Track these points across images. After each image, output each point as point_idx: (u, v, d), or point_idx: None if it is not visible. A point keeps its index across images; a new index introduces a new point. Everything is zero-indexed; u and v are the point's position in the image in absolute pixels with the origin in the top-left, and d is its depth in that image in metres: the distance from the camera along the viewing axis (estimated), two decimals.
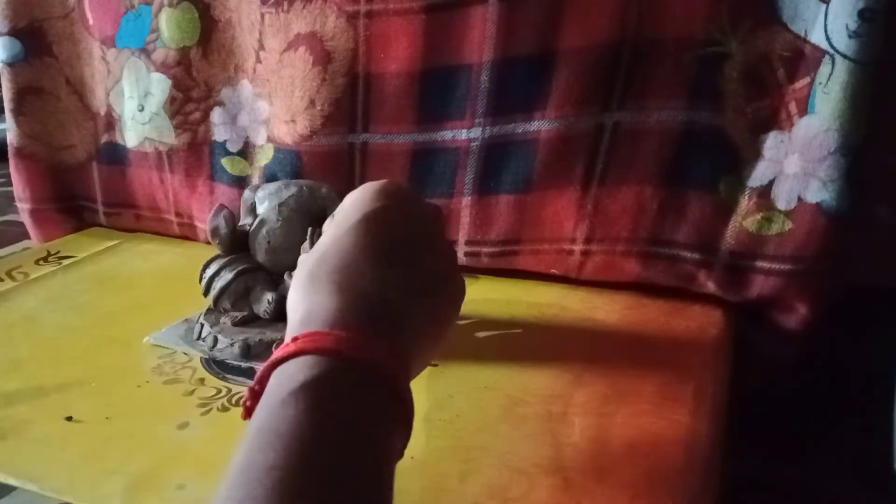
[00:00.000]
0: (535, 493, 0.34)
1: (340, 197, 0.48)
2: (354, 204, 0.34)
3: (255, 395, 0.27)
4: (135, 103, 0.66)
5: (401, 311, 0.30)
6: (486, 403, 0.41)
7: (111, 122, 0.69)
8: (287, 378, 0.26)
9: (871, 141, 0.44)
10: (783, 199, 0.47)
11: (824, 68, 0.44)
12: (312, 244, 0.46)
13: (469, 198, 0.55)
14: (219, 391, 0.43)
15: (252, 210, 0.50)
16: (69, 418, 0.40)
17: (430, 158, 0.56)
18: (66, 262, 0.65)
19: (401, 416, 0.28)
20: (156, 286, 0.60)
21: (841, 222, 0.45)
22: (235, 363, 0.46)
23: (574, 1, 0.49)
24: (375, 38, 0.54)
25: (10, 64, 0.69)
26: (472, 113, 0.53)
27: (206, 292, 0.49)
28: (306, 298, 0.30)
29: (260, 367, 0.27)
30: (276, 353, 0.27)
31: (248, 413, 0.27)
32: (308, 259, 0.32)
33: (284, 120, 0.59)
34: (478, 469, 0.35)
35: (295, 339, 0.27)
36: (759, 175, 0.48)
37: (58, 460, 0.37)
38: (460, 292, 0.36)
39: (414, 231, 0.34)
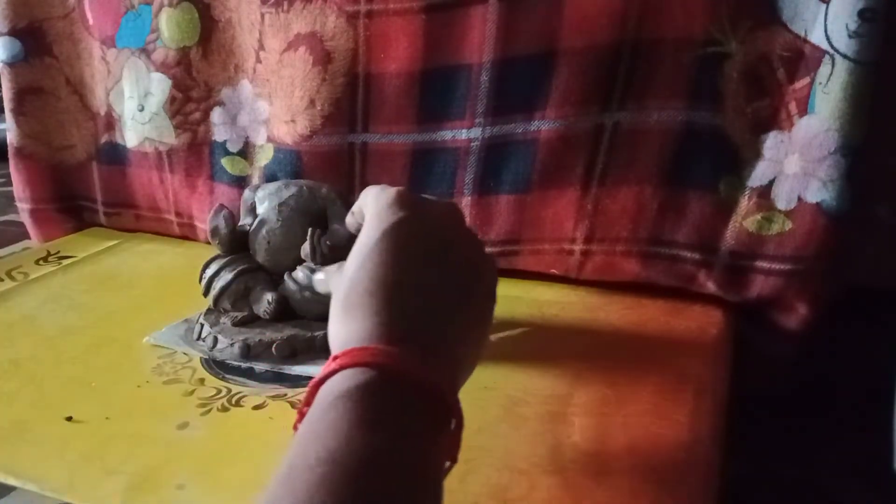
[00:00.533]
0: (535, 493, 0.34)
1: (340, 197, 0.49)
2: (372, 222, 0.33)
3: (304, 416, 0.27)
4: (135, 103, 0.66)
5: (439, 318, 0.30)
6: (486, 403, 0.41)
7: (111, 122, 0.69)
8: (328, 391, 0.26)
9: (871, 141, 0.44)
10: (783, 199, 0.47)
11: (824, 68, 0.44)
12: (312, 244, 0.46)
13: (469, 198, 0.55)
14: (219, 391, 0.43)
15: (252, 210, 0.50)
16: (69, 418, 0.40)
17: (430, 158, 0.56)
18: (66, 262, 0.65)
19: (444, 422, 0.28)
20: (156, 286, 0.60)
21: (841, 222, 0.45)
22: (235, 363, 0.46)
23: (574, 1, 0.49)
24: (375, 38, 0.54)
25: (10, 64, 0.69)
26: (472, 113, 0.53)
27: (206, 292, 0.49)
28: (343, 328, 0.30)
29: (310, 375, 0.28)
30: (320, 374, 0.27)
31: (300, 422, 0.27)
32: (339, 287, 0.32)
33: (284, 120, 0.59)
34: (478, 469, 0.35)
35: (335, 358, 0.27)
36: (759, 175, 0.48)
37: (58, 460, 0.37)
38: (493, 277, 0.36)
39: (436, 233, 0.33)
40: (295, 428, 0.27)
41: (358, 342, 0.28)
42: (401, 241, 0.32)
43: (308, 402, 0.27)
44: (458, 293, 0.32)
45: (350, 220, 0.40)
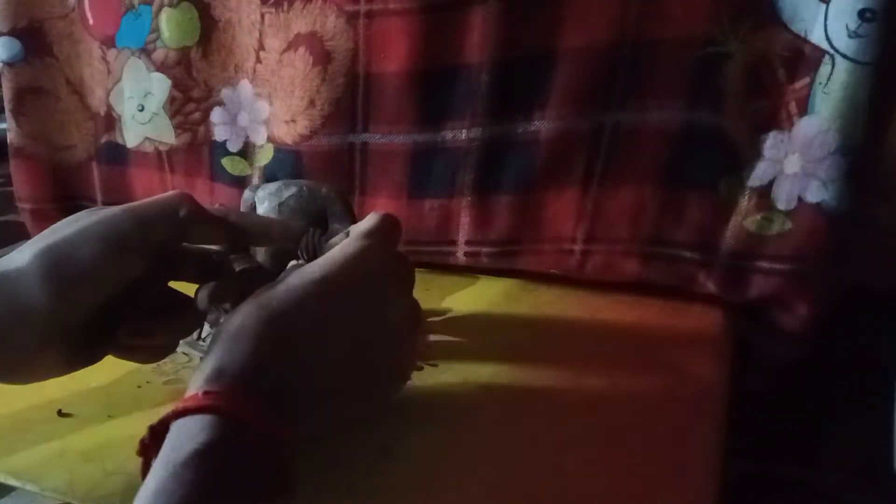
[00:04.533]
0: (535, 493, 0.34)
1: (340, 197, 0.49)
2: (324, 262, 0.34)
3: (155, 434, 0.28)
4: (135, 103, 0.66)
5: (319, 384, 0.31)
6: (487, 403, 0.41)
7: (111, 122, 0.69)
8: (185, 438, 0.27)
9: (871, 141, 0.44)
10: (783, 199, 0.47)
11: (824, 68, 0.44)
12: (310, 245, 0.46)
13: (469, 198, 0.55)
14: None
15: (252, 210, 0.50)
16: (59, 411, 0.41)
17: (430, 158, 0.56)
18: None
19: (279, 486, 0.28)
20: None
21: (841, 222, 0.45)
22: None
23: (574, 1, 0.49)
24: (375, 38, 0.54)
25: (10, 64, 0.69)
26: (472, 113, 0.53)
27: None
28: (230, 344, 0.30)
29: (165, 413, 0.28)
30: (182, 404, 0.28)
31: (145, 451, 0.28)
32: (251, 303, 0.33)
33: (284, 120, 0.59)
34: (478, 469, 0.35)
35: (207, 394, 0.28)
36: (759, 175, 0.48)
37: (58, 460, 0.37)
38: (405, 365, 0.38)
39: (366, 308, 0.34)
40: (143, 442, 0.28)
41: (229, 374, 0.29)
42: (324, 294, 0.33)
43: (163, 424, 0.28)
44: (349, 367, 0.33)
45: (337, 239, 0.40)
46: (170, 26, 0.62)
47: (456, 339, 0.48)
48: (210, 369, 0.29)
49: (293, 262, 0.47)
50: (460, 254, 0.57)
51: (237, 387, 0.29)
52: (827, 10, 0.43)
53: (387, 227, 0.37)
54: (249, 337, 0.30)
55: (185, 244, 0.39)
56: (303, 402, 0.31)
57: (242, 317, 0.31)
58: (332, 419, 0.33)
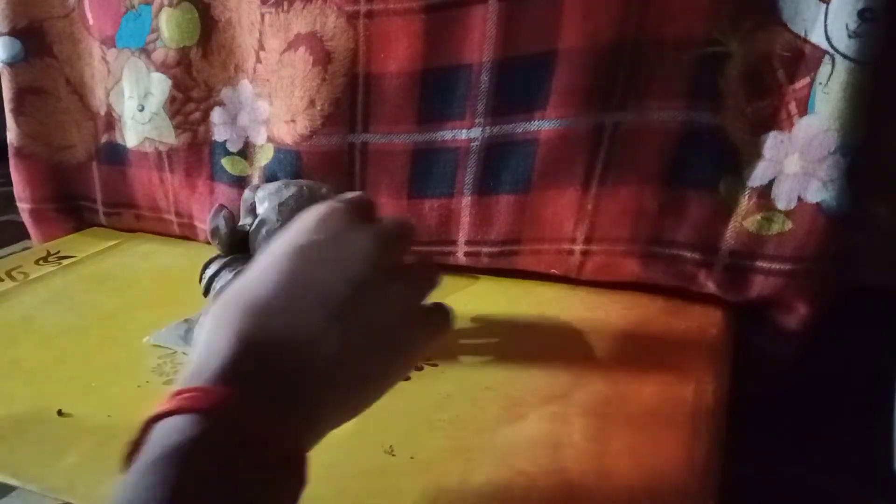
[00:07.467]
0: (535, 493, 0.34)
1: None
2: (289, 232, 0.30)
3: (137, 447, 0.25)
4: (135, 103, 0.66)
5: (307, 370, 0.27)
6: (486, 403, 0.41)
7: (111, 122, 0.69)
8: (159, 440, 0.25)
9: (871, 141, 0.44)
10: (783, 199, 0.47)
11: (824, 68, 0.44)
12: None
13: (469, 198, 0.55)
14: None
15: (252, 210, 0.50)
16: (59, 411, 0.41)
17: (430, 158, 0.56)
18: (66, 262, 0.65)
19: (286, 482, 0.26)
20: (156, 286, 0.60)
21: (841, 222, 0.45)
22: None
23: (574, 1, 0.49)
24: (375, 38, 0.54)
25: (10, 64, 0.69)
26: (472, 113, 0.53)
27: (206, 292, 0.49)
28: (208, 339, 0.27)
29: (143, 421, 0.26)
30: (158, 408, 0.25)
31: (128, 466, 0.26)
32: (226, 292, 0.29)
33: (284, 120, 0.59)
34: (478, 469, 0.35)
35: (179, 393, 0.25)
36: (759, 175, 0.48)
37: (58, 460, 0.37)
38: (404, 349, 0.31)
39: (346, 275, 0.29)
40: (127, 461, 0.25)
41: (210, 369, 0.26)
42: (304, 266, 0.29)
43: (142, 433, 0.26)
44: (345, 349, 0.28)
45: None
46: (170, 26, 0.62)
47: (456, 339, 0.49)
48: (187, 371, 0.27)
49: None
50: (460, 254, 0.57)
51: (219, 376, 0.26)
52: (827, 10, 0.43)
53: (360, 200, 0.33)
54: (223, 329, 0.27)
55: None
56: (293, 389, 0.27)
57: (216, 309, 0.28)
58: (331, 403, 0.29)
